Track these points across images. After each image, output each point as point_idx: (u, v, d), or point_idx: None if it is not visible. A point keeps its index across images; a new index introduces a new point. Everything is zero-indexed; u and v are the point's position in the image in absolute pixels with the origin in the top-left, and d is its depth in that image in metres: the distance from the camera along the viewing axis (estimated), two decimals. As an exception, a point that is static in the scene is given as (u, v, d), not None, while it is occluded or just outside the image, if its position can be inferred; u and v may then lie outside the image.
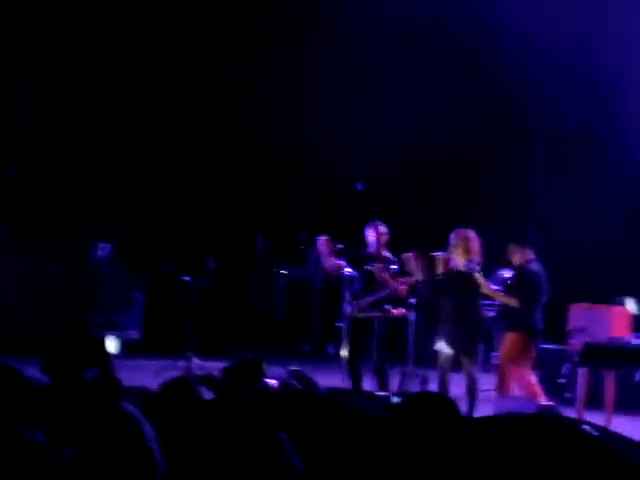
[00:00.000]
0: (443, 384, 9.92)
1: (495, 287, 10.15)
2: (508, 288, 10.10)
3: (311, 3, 15.49)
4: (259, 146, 15.81)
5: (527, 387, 9.87)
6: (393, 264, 10.59)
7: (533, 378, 9.98)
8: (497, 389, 10.04)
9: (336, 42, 15.12)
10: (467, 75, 15.00)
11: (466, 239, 9.89)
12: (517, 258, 10.10)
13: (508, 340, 10.00)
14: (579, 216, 14.14)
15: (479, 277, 9.76)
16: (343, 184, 13.89)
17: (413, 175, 15.40)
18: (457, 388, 9.93)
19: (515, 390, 10.00)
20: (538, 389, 9.87)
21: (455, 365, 10.00)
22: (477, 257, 9.89)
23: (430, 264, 10.04)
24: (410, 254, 10.11)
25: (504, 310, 10.38)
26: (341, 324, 11.02)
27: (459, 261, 9.85)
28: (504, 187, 15.27)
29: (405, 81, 14.56)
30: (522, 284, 9.93)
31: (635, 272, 12.08)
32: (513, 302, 9.90)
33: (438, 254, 10.02)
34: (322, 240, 11.50)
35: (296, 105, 15.09)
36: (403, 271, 10.49)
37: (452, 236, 9.92)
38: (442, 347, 9.93)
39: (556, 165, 14.92)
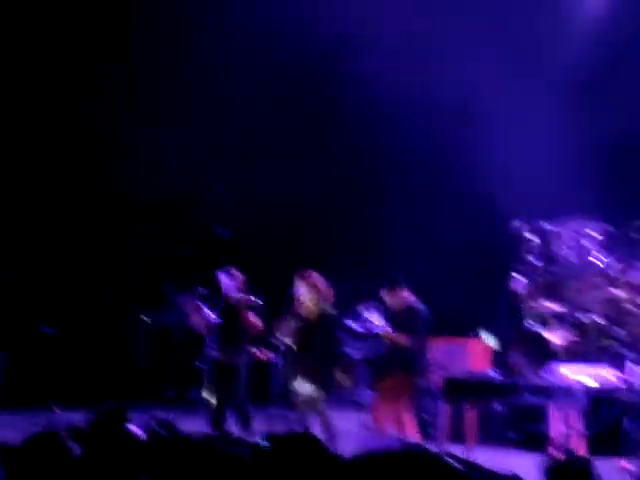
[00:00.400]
0: (304, 424, 10.03)
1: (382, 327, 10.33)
2: (400, 328, 10.28)
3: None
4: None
5: (407, 426, 10.08)
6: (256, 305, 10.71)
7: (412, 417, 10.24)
8: (374, 427, 10.20)
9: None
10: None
11: (315, 282, 10.13)
12: (398, 300, 10.33)
13: (397, 379, 10.19)
14: (430, 254, 14.49)
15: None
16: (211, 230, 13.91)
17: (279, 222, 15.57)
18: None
19: (391, 429, 10.16)
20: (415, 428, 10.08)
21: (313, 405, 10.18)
22: (329, 300, 10.14)
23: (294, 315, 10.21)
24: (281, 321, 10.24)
25: (389, 350, 10.52)
26: (203, 366, 10.99)
27: (309, 304, 10.07)
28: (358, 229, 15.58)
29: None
30: (415, 323, 10.18)
31: (489, 304, 12.38)
32: (407, 342, 10.14)
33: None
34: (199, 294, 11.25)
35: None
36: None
37: (298, 281, 10.13)
38: (298, 387, 10.05)
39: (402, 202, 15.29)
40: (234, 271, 10.88)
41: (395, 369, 10.29)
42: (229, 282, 10.80)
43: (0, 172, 15.37)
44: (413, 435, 9.93)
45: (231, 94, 15.37)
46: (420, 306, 10.45)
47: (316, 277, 10.24)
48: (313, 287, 10.13)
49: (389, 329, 10.39)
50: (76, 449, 4.86)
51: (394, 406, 10.17)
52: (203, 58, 15.10)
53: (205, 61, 15.13)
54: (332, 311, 10.19)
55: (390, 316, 10.58)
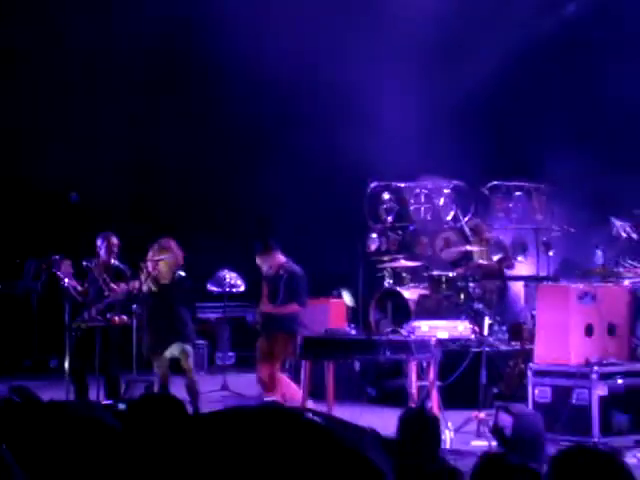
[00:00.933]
0: (164, 387, 10.07)
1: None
2: (278, 290, 10.36)
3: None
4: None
5: (289, 386, 10.24)
6: (123, 272, 10.70)
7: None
8: (265, 390, 10.35)
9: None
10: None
11: (173, 248, 10.19)
12: (275, 263, 10.39)
13: (278, 341, 10.30)
14: (290, 217, 14.61)
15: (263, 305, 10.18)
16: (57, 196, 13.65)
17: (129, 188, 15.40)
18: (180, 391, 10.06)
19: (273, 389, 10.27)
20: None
21: (175, 368, 10.24)
22: (179, 266, 10.23)
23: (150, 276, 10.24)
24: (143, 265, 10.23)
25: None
26: (64, 336, 10.89)
27: (167, 269, 10.13)
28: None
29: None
30: (298, 287, 10.28)
31: (348, 264, 12.56)
32: (295, 309, 10.31)
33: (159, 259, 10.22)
34: (65, 263, 11.05)
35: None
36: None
37: (154, 247, 10.20)
38: (168, 352, 10.15)
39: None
40: (113, 236, 10.86)
41: (275, 330, 10.40)
42: (103, 248, 10.79)
43: None
44: (296, 395, 10.06)
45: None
46: (295, 267, 10.52)
47: (171, 243, 10.31)
48: (167, 251, 10.20)
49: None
50: None
51: (274, 367, 10.32)
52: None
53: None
54: (184, 274, 10.30)
55: (266, 279, 10.61)
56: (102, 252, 10.86)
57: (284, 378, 10.62)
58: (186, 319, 10.36)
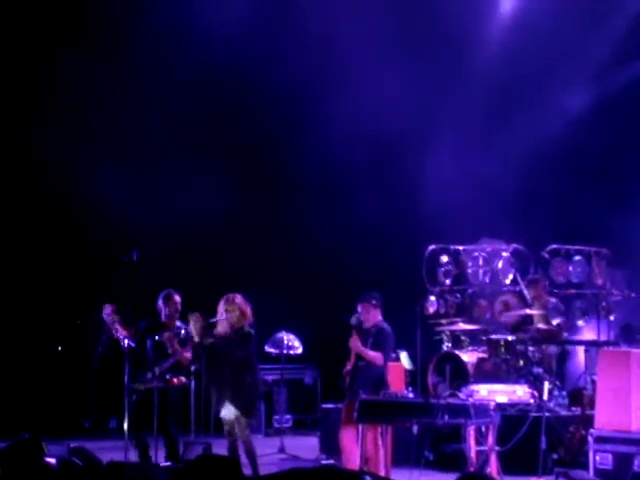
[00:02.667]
0: (233, 450, 10.01)
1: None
2: (369, 347, 10.27)
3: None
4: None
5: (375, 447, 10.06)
6: (182, 330, 10.68)
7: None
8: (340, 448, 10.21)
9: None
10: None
11: (239, 304, 10.17)
12: (372, 318, 10.34)
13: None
14: (349, 278, 14.61)
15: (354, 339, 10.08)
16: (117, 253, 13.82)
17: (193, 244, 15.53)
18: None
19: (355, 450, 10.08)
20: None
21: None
22: (249, 320, 10.17)
23: (209, 328, 10.20)
24: (194, 315, 10.20)
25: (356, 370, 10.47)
26: (123, 397, 10.92)
27: (232, 324, 10.10)
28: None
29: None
30: (385, 343, 10.23)
31: (408, 326, 12.52)
32: (378, 359, 10.16)
33: (215, 319, 10.22)
34: (108, 310, 11.10)
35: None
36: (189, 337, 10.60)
37: (222, 301, 10.19)
38: (225, 414, 10.08)
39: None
40: (175, 294, 10.88)
41: (362, 390, 10.21)
42: (165, 306, 10.83)
43: None
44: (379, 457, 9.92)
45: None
46: (387, 326, 10.44)
47: (237, 297, 10.27)
48: (233, 306, 10.15)
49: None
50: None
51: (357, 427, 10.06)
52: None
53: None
54: (251, 330, 10.22)
55: (356, 329, 10.47)
56: (164, 311, 10.89)
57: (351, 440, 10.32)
58: (247, 381, 10.13)
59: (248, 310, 10.21)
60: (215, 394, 10.19)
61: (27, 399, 14.97)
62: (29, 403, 14.89)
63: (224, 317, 10.16)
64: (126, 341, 10.69)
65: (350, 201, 15.25)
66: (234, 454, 9.96)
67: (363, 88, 14.70)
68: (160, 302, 10.87)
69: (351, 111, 14.57)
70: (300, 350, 14.43)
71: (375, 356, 10.14)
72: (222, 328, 10.19)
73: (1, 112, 14.93)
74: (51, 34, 14.81)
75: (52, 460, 5.98)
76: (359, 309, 10.41)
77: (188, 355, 10.55)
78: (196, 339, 10.17)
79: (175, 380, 10.60)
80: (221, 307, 10.21)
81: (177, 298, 10.88)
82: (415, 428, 11.53)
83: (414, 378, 12.90)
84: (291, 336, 14.35)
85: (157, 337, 10.69)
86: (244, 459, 9.79)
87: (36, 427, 12.37)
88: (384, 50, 14.42)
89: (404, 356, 13.17)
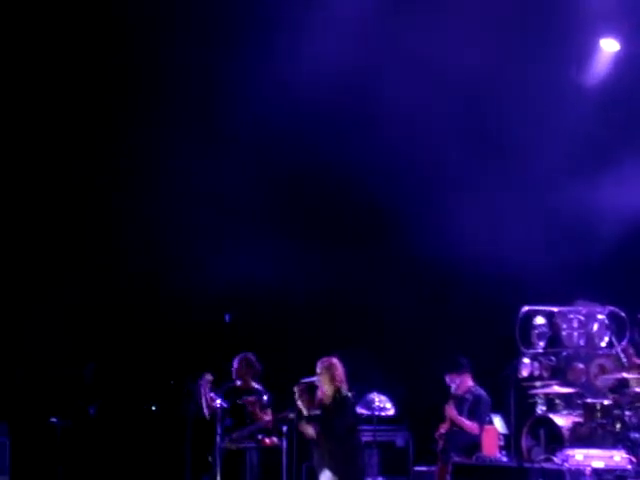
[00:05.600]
0: None
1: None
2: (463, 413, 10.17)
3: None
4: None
5: None
6: (263, 395, 10.72)
7: None
8: None
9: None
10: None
11: (331, 367, 10.13)
12: (463, 384, 10.24)
13: None
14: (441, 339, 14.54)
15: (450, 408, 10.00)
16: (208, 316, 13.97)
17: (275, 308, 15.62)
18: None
19: None
20: None
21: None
22: (343, 384, 10.11)
23: (312, 397, 10.19)
24: (298, 389, 10.19)
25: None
26: (213, 456, 10.99)
27: (326, 389, 10.06)
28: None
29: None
30: (479, 410, 10.13)
31: (499, 389, 12.37)
32: (474, 428, 10.08)
33: (310, 380, 10.21)
34: (207, 378, 11.20)
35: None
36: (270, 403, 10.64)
37: (318, 365, 10.16)
38: (325, 478, 10.02)
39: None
40: (250, 356, 10.95)
41: (455, 453, 10.14)
42: (240, 369, 10.90)
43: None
44: None
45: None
46: (482, 392, 10.34)
47: (331, 362, 10.24)
48: (325, 370, 10.13)
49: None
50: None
51: None
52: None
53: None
54: (348, 393, 10.17)
55: (451, 398, 10.37)
56: (238, 373, 10.91)
57: None
58: (345, 447, 10.09)
59: (337, 373, 10.16)
60: (316, 459, 10.14)
61: (121, 457, 15.12)
62: (123, 461, 15.04)
63: (316, 379, 10.16)
64: (218, 401, 10.78)
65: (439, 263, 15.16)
66: None
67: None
68: (235, 364, 10.96)
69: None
70: (392, 412, 14.31)
71: (472, 427, 10.05)
72: (320, 393, 10.18)
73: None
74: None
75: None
76: (447, 380, 10.30)
77: (267, 418, 10.60)
78: (304, 412, 10.16)
79: (267, 440, 10.63)
80: (318, 370, 10.22)
81: (253, 361, 10.95)
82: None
83: (508, 442, 12.70)
84: (382, 397, 14.27)
85: (238, 401, 10.77)
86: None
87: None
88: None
89: (497, 420, 12.98)
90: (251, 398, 10.73)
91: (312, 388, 10.19)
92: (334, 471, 9.92)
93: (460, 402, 10.21)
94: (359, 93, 14.77)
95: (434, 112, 14.41)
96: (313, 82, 14.14)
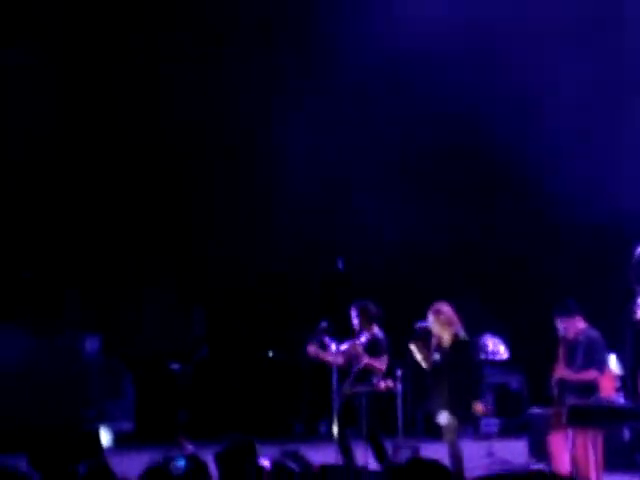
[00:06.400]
0: (456, 456, 9.97)
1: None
2: (577, 358, 10.02)
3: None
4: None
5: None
6: (379, 343, 10.81)
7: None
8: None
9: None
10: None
11: (442, 311, 10.16)
12: (574, 328, 10.03)
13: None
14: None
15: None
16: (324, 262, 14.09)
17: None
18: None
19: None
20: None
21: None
22: (459, 327, 10.13)
23: (426, 345, 10.23)
24: (414, 344, 10.26)
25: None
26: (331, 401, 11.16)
27: (443, 334, 10.09)
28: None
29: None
30: (595, 354, 9.96)
31: (616, 331, 12.24)
32: (593, 375, 9.93)
33: (424, 325, 10.25)
34: (323, 325, 11.39)
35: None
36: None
37: (430, 312, 10.19)
38: (443, 418, 10.06)
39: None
40: (364, 303, 11.05)
41: (570, 396, 10.00)
42: (355, 315, 10.99)
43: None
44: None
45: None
46: (594, 333, 10.11)
47: (445, 307, 10.26)
48: (443, 317, 10.15)
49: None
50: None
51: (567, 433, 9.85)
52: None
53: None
54: (466, 337, 10.19)
55: (563, 342, 10.17)
56: (356, 321, 11.04)
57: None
58: (463, 385, 10.05)
59: (450, 316, 10.19)
60: (433, 401, 10.21)
61: (239, 403, 15.43)
62: (241, 407, 15.35)
63: (431, 324, 10.21)
64: (333, 346, 10.93)
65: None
66: (457, 459, 9.95)
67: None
68: (353, 313, 11.04)
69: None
70: (505, 355, 14.30)
71: (589, 376, 9.86)
72: (436, 339, 10.22)
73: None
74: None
75: (266, 462, 6.19)
76: (558, 324, 10.08)
77: (377, 364, 10.68)
78: (425, 365, 10.24)
79: (382, 384, 10.74)
80: (430, 317, 10.26)
81: (372, 308, 11.03)
82: (626, 433, 11.28)
83: (624, 383, 12.58)
84: (495, 340, 14.26)
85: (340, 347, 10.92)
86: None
87: (248, 430, 12.80)
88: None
89: (613, 360, 12.86)
90: (352, 342, 10.85)
91: (428, 333, 10.23)
92: (453, 412, 9.99)
93: (572, 347, 10.04)
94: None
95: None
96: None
